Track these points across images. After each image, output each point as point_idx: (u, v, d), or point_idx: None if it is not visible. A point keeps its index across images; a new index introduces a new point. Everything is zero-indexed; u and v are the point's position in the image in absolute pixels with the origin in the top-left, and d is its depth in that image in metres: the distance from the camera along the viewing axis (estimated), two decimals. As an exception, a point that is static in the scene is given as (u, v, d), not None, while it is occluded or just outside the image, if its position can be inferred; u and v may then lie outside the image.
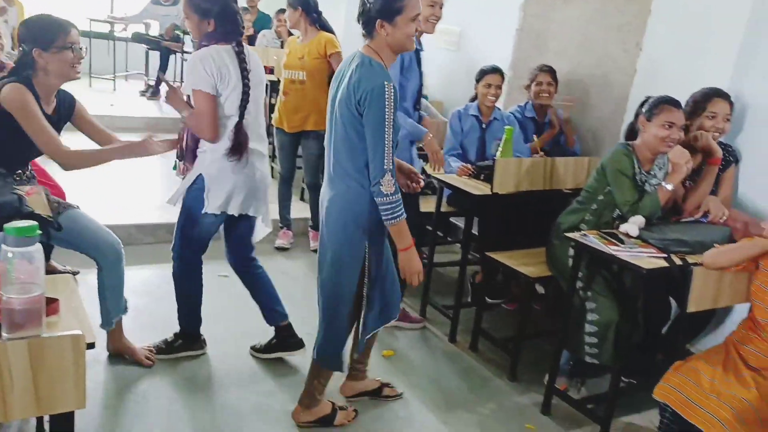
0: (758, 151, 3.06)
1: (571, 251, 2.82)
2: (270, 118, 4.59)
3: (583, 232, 2.75)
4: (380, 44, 2.25)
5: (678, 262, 2.54)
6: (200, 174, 2.72)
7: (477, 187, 3.39)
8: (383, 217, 2.22)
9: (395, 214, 2.21)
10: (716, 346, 2.57)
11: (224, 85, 2.61)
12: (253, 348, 3.09)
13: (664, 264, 2.52)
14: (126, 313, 2.83)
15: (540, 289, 3.80)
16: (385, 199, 2.18)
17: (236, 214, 2.79)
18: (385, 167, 2.15)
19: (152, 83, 8.14)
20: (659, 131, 2.74)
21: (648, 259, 2.53)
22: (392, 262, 2.49)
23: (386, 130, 2.13)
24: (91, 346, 1.51)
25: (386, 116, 2.13)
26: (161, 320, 3.23)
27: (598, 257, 2.71)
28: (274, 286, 3.05)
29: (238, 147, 2.66)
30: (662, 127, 2.74)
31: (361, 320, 2.47)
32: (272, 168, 5.84)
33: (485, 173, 3.47)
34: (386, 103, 2.12)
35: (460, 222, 4.22)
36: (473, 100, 3.93)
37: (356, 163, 2.23)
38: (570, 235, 2.72)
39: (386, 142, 2.14)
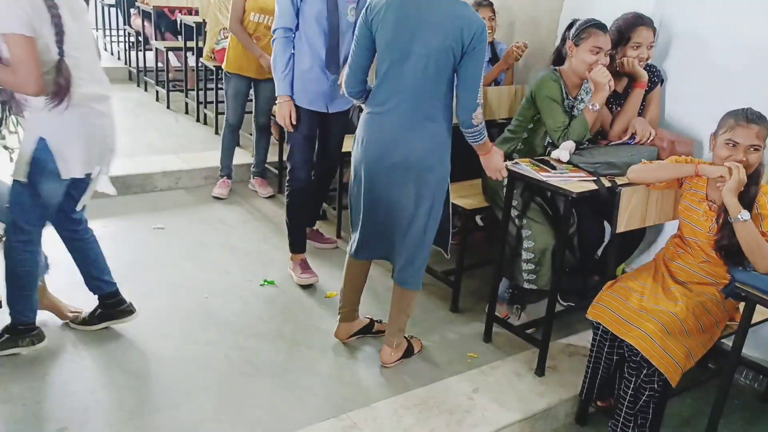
0: (683, 71, 3.09)
1: (505, 181, 2.82)
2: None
3: (515, 160, 2.75)
4: None
5: (607, 184, 2.57)
6: (40, 137, 2.28)
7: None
8: (475, 141, 2.47)
9: (483, 135, 2.46)
10: (646, 263, 2.64)
11: (40, 20, 2.15)
12: (74, 322, 2.77)
13: (593, 187, 2.55)
14: (47, 271, 2.72)
15: (479, 220, 3.84)
16: (476, 128, 2.41)
17: (82, 175, 2.41)
18: (478, 101, 2.36)
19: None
20: (587, 56, 2.73)
21: (578, 183, 2.55)
22: None
23: (481, 70, 2.35)
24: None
25: (483, 56, 2.34)
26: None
27: (530, 184, 2.73)
28: (102, 253, 2.72)
29: (60, 91, 2.21)
30: (590, 52, 2.72)
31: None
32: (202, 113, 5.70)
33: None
34: (485, 44, 2.33)
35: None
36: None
37: (444, 102, 2.41)
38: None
39: (481, 80, 2.36)
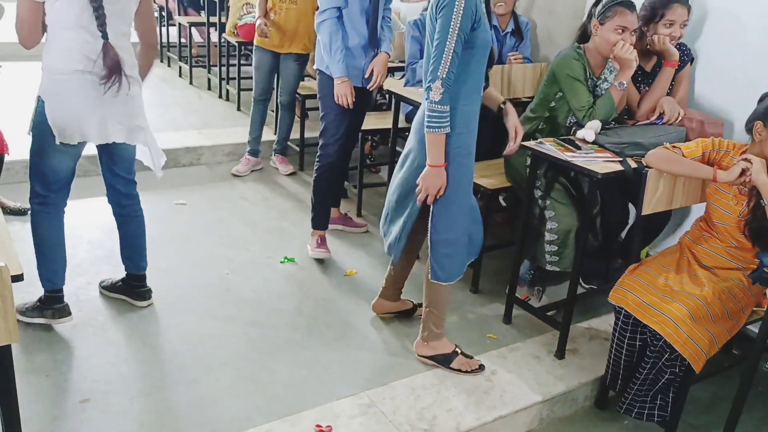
0: (714, 50, 3.00)
1: (528, 160, 2.78)
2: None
3: (539, 140, 2.71)
4: None
5: (633, 165, 2.51)
6: (38, 95, 2.35)
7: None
8: (425, 123, 2.22)
9: (436, 124, 2.20)
10: (670, 247, 2.59)
11: None
12: (100, 283, 2.88)
13: (619, 168, 2.49)
14: None
15: (502, 201, 3.80)
16: (431, 105, 2.18)
17: (75, 143, 2.38)
18: (439, 73, 2.14)
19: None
20: (611, 36, 2.66)
21: (603, 163, 2.50)
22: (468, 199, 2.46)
23: (448, 36, 2.11)
24: (17, 278, 1.44)
25: (452, 22, 2.10)
26: (115, 251, 3.18)
27: (554, 165, 2.68)
28: (145, 236, 2.78)
29: (112, 69, 2.31)
30: (614, 31, 2.65)
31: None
32: (232, 91, 5.69)
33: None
34: (455, 8, 2.09)
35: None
36: (426, 9, 3.77)
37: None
38: (526, 144, 2.67)
39: (446, 49, 2.12)
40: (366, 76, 3.16)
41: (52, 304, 2.57)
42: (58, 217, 2.54)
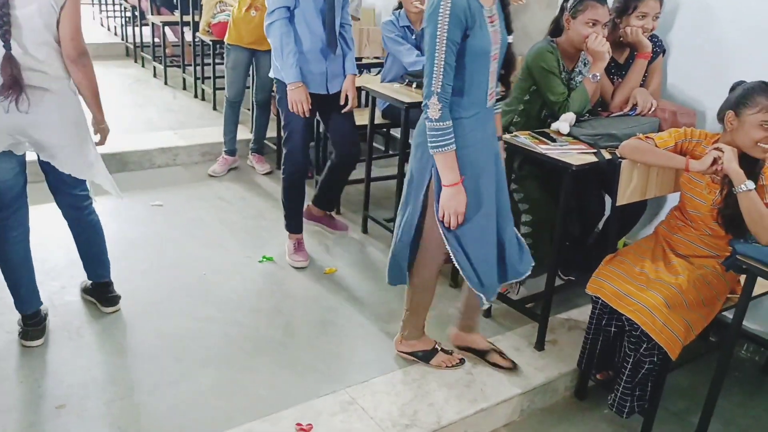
0: (686, 41, 3.03)
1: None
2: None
3: (513, 133, 2.71)
4: None
5: (607, 156, 2.53)
6: None
7: (410, 95, 3.30)
8: (429, 144, 2.06)
9: (440, 142, 2.04)
10: (646, 237, 2.62)
11: None
12: (80, 285, 2.85)
13: (593, 159, 2.51)
14: None
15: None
16: (430, 124, 2.03)
17: None
18: (432, 89, 2.00)
19: None
20: (583, 29, 2.67)
21: (577, 155, 2.51)
22: (490, 224, 2.25)
23: (436, 47, 1.97)
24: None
25: (438, 32, 1.96)
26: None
27: (529, 157, 2.69)
28: (102, 244, 2.68)
29: (10, 84, 2.15)
30: (586, 24, 2.67)
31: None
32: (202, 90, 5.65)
33: (418, 81, 3.38)
34: (440, 18, 1.95)
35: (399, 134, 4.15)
36: (398, 8, 3.77)
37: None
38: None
39: (436, 61, 1.98)
40: (342, 102, 3.03)
41: (22, 324, 2.53)
42: (8, 238, 2.38)
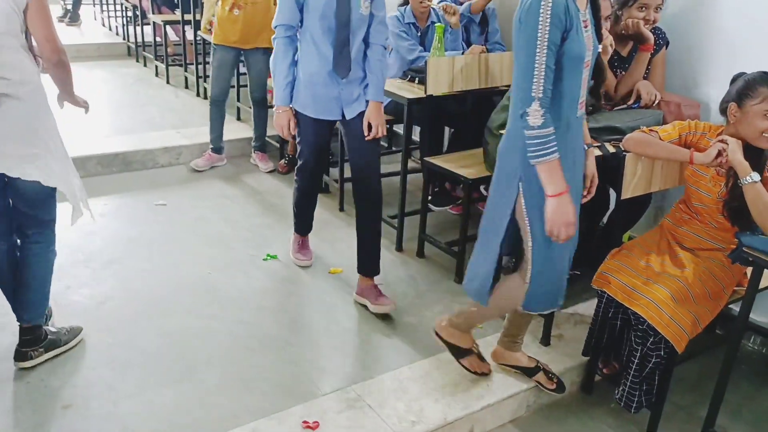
0: (689, 33, 3.01)
1: (506, 148, 2.76)
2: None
3: (517, 127, 2.70)
4: None
5: (611, 149, 2.52)
6: None
7: (411, 91, 3.29)
8: (528, 153, 1.90)
9: (543, 151, 1.88)
10: (652, 230, 2.61)
11: None
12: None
13: (597, 152, 2.49)
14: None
15: (483, 190, 3.79)
16: (531, 132, 1.87)
17: None
18: (533, 94, 1.85)
19: (70, 6, 7.72)
20: None
21: (581, 149, 2.49)
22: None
23: (537, 50, 1.82)
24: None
25: (538, 34, 1.81)
26: (96, 254, 3.15)
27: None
28: (37, 289, 2.38)
29: None
30: None
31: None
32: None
33: (420, 76, 3.37)
34: (540, 18, 1.81)
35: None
36: (404, 4, 3.76)
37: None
38: (504, 132, 2.66)
39: (537, 65, 1.83)
40: (366, 132, 2.72)
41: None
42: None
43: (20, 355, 2.37)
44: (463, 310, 2.46)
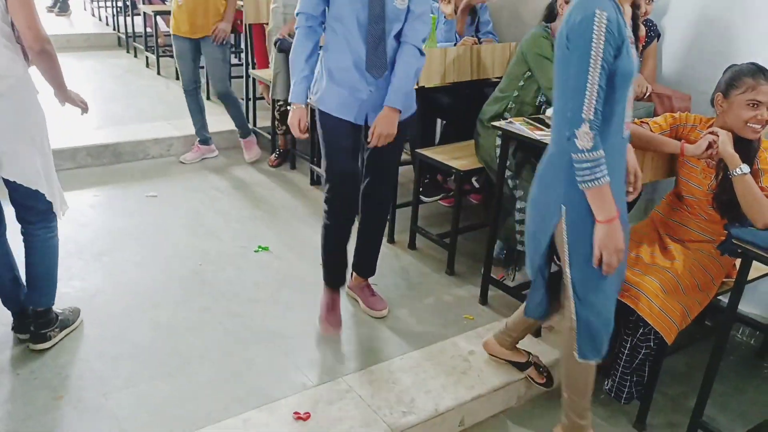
0: (680, 25, 3.02)
1: (498, 140, 2.78)
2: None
3: (508, 119, 2.70)
4: None
5: (602, 142, 2.51)
6: None
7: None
8: (577, 178, 1.80)
9: (593, 176, 1.78)
10: (642, 222, 2.62)
11: None
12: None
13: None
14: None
15: (475, 182, 3.80)
16: (580, 155, 1.76)
17: None
18: (584, 115, 1.74)
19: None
20: None
21: (573, 141, 2.49)
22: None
23: (590, 68, 1.71)
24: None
25: (592, 51, 1.70)
26: (87, 245, 3.14)
27: (524, 144, 2.68)
28: (46, 271, 2.42)
29: None
30: None
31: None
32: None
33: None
34: (594, 34, 1.70)
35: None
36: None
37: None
38: (496, 123, 2.67)
39: (588, 84, 1.72)
40: (368, 140, 2.41)
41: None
42: None
43: (39, 337, 2.43)
44: (564, 407, 2.24)
